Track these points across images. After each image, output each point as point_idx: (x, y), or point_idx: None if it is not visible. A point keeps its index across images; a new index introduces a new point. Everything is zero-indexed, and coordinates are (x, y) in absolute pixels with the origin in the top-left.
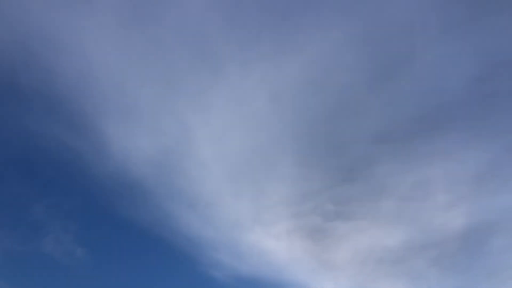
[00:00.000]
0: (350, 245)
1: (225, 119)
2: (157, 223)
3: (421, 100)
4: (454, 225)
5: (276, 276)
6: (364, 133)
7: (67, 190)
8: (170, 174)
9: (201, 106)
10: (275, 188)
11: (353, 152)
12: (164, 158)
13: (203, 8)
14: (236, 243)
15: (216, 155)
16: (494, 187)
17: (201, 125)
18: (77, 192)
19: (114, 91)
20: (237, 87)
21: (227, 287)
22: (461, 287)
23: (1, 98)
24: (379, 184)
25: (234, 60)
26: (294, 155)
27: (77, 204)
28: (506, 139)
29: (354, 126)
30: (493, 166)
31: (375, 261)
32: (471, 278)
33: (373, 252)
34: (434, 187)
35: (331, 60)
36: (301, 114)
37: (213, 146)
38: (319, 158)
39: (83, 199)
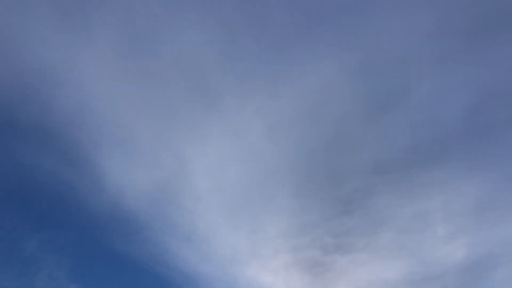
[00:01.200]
0: (350, 278)
1: (222, 152)
2: (152, 258)
3: (418, 131)
4: (455, 258)
5: None
6: (362, 164)
7: (61, 224)
8: (166, 207)
9: (197, 139)
10: (272, 221)
11: (350, 184)
12: (160, 191)
13: (200, 41)
14: (233, 278)
15: (213, 188)
16: (494, 218)
17: (198, 157)
18: (71, 226)
19: (110, 124)
20: (234, 120)
21: None
22: None
23: None
24: (377, 216)
25: (230, 92)
26: (291, 187)
27: (71, 239)
28: (504, 169)
29: (352, 158)
30: (492, 197)
31: None
32: None
33: (373, 285)
34: (433, 218)
35: (327, 92)
36: (298, 145)
37: (209, 178)
38: (316, 190)
39: (78, 233)
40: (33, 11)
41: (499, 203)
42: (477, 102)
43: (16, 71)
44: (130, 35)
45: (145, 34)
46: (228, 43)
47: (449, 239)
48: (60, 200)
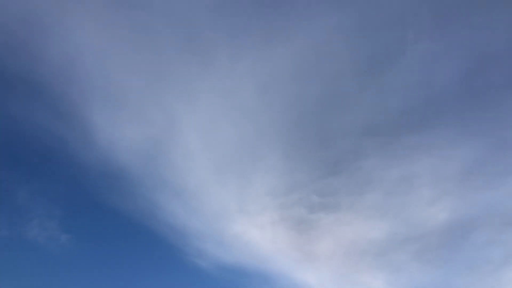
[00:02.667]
0: (334, 237)
1: (213, 110)
2: (142, 212)
3: (410, 94)
4: (437, 220)
5: (260, 266)
6: (352, 126)
7: (52, 176)
8: (156, 163)
9: (188, 96)
10: (261, 179)
11: (340, 145)
12: (150, 148)
13: None
14: (221, 233)
15: (203, 146)
16: (479, 184)
17: (188, 115)
18: (62, 178)
19: (100, 79)
20: (225, 77)
21: (212, 276)
22: (441, 281)
23: None
24: (364, 177)
25: (222, 49)
26: (281, 147)
27: (62, 191)
28: (493, 136)
29: (343, 119)
30: (479, 163)
31: (358, 253)
32: (451, 272)
33: (356, 244)
34: (419, 181)
35: (321, 51)
36: (289, 105)
37: (199, 136)
38: (306, 150)
39: (68, 186)
40: None
41: (485, 169)
42: (474, 65)
43: (2, 21)
44: None
45: None
46: None
47: (433, 202)
48: (50, 152)
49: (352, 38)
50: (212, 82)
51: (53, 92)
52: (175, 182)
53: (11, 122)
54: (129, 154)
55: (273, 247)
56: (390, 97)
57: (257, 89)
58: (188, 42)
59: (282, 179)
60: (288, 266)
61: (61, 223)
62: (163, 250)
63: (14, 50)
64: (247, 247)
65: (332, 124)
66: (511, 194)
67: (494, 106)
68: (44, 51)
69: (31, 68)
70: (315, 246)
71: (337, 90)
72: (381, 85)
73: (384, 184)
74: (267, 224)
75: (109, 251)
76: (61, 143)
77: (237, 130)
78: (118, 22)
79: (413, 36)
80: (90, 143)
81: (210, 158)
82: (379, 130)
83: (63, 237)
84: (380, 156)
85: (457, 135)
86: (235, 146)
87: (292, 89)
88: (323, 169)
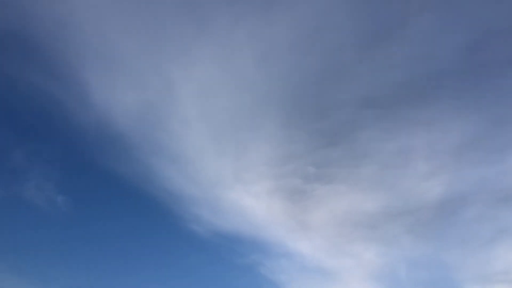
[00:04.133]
0: (328, 207)
1: (210, 76)
2: (139, 177)
3: (412, 67)
4: (432, 194)
5: (254, 233)
6: (351, 97)
7: (48, 137)
8: (152, 128)
9: (185, 62)
10: (257, 149)
11: (338, 116)
12: (146, 113)
13: None
14: (216, 200)
15: (200, 112)
16: (475, 159)
17: (185, 81)
18: (58, 140)
19: (96, 40)
20: (224, 43)
21: (207, 241)
22: (432, 255)
23: None
24: (361, 149)
25: (221, 14)
26: (278, 117)
27: (58, 153)
28: (491, 111)
29: (342, 90)
30: (476, 138)
31: (351, 224)
32: (442, 246)
33: (350, 215)
34: (416, 155)
35: (323, 20)
36: (288, 74)
37: (196, 103)
38: (303, 121)
39: (64, 148)
40: None
41: (482, 145)
42: (477, 39)
43: None
44: None
45: None
46: None
47: (429, 176)
48: (46, 113)
49: (354, 9)
50: (210, 49)
51: (49, 52)
52: (171, 148)
53: (6, 81)
54: (125, 118)
55: (268, 215)
56: (391, 69)
57: (255, 57)
58: (186, 5)
59: (278, 149)
60: (282, 234)
61: (58, 185)
62: (159, 215)
63: (9, 9)
64: (242, 215)
65: (331, 95)
66: (506, 170)
67: (495, 82)
68: (40, 11)
69: (26, 27)
70: (309, 216)
71: (337, 61)
72: (382, 58)
73: (380, 157)
74: (262, 193)
75: (106, 214)
76: (58, 104)
77: (235, 98)
78: None
79: (416, 9)
80: (86, 106)
81: (207, 125)
82: (378, 102)
83: (60, 199)
84: (378, 128)
85: (456, 109)
86: (232, 114)
87: (291, 59)
88: (320, 140)
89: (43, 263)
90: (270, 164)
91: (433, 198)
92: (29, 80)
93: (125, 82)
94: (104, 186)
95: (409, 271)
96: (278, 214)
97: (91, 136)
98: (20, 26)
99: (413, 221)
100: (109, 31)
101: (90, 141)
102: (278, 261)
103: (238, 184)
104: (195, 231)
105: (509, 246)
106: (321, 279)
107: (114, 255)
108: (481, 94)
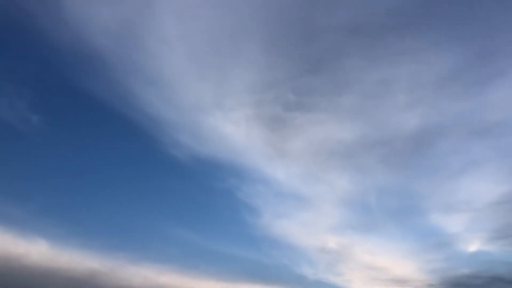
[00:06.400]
0: (306, 136)
1: None
2: (115, 97)
3: None
4: (408, 126)
5: (233, 159)
6: (338, 23)
7: (21, 54)
8: (130, 47)
9: None
10: (238, 74)
11: (322, 43)
12: (124, 30)
13: None
14: (196, 125)
15: (180, 33)
16: (454, 92)
17: None
18: (31, 58)
19: None
20: None
21: (186, 166)
22: (402, 184)
23: None
24: (344, 78)
25: None
26: (261, 41)
27: (31, 70)
28: (478, 43)
29: (328, 15)
30: (459, 71)
31: (327, 153)
32: (413, 176)
33: (327, 144)
34: (397, 86)
35: None
36: None
37: (176, 22)
38: (287, 46)
39: (38, 65)
40: None
41: (463, 78)
42: None
43: None
44: None
45: None
46: None
47: (407, 107)
48: (18, 27)
49: None
50: None
51: None
52: (149, 69)
53: None
54: (101, 36)
55: (247, 142)
56: None
57: None
58: None
59: (260, 75)
60: (259, 161)
61: (32, 104)
62: (137, 138)
63: None
64: (221, 141)
65: (317, 20)
66: (483, 104)
67: (484, 13)
68: None
69: None
70: (287, 144)
71: None
72: None
73: (362, 86)
74: (242, 120)
75: (80, 133)
76: (28, 16)
77: (217, 20)
78: None
79: None
80: (60, 21)
81: (187, 47)
82: (366, 29)
83: (34, 118)
84: (362, 57)
85: (442, 40)
86: (214, 36)
87: None
88: (303, 67)
89: (18, 181)
90: (251, 90)
91: (410, 129)
92: None
93: None
94: (79, 105)
95: (380, 199)
96: (257, 141)
97: (66, 54)
98: None
99: (388, 151)
100: None
101: (65, 59)
102: (255, 186)
103: (218, 110)
104: (174, 155)
105: (475, 177)
106: (295, 204)
107: (89, 174)
108: (469, 25)
